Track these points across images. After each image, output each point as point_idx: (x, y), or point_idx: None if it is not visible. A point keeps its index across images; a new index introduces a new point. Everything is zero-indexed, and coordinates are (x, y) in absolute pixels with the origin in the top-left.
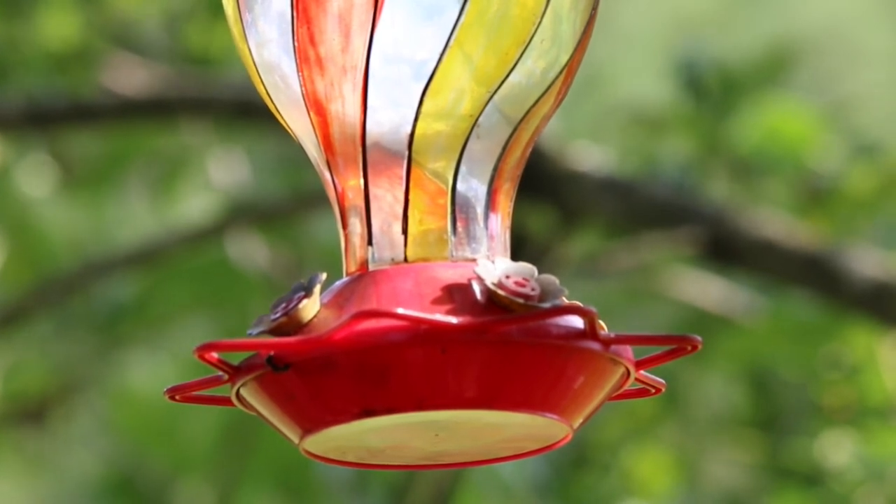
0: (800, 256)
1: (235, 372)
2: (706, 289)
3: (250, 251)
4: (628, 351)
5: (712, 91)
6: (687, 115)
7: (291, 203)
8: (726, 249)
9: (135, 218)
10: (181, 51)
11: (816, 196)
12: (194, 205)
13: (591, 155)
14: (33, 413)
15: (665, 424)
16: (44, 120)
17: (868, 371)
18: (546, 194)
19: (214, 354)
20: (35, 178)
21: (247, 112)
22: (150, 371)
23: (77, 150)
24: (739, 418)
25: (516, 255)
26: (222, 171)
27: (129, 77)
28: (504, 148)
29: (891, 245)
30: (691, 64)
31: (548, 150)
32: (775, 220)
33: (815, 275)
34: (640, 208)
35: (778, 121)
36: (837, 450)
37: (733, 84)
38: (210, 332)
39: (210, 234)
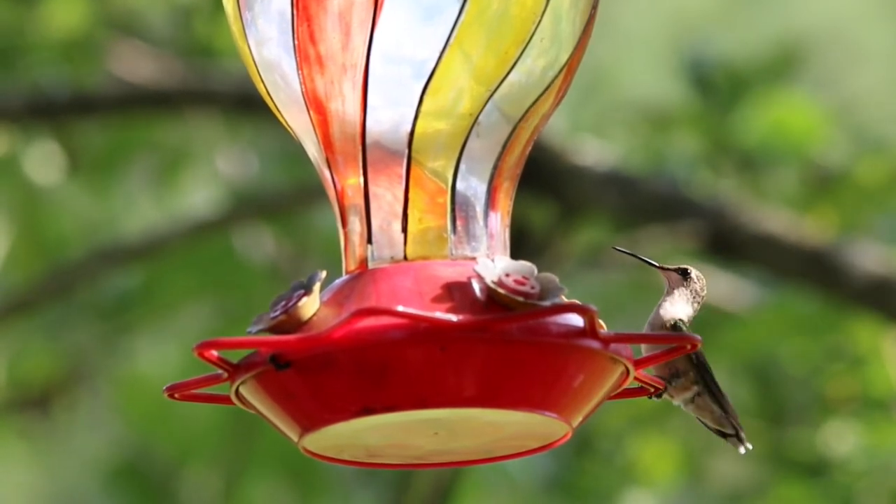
0: (801, 251)
1: (235, 370)
2: (709, 282)
3: (255, 241)
4: (628, 349)
5: (718, 87)
6: (693, 112)
7: (296, 194)
8: (728, 243)
9: (140, 208)
10: (186, 42)
11: (823, 187)
12: (199, 196)
13: (592, 150)
14: (39, 400)
15: (669, 416)
16: (49, 110)
17: (871, 363)
18: (548, 189)
19: (214, 352)
20: (43, 168)
21: (251, 104)
22: (156, 358)
23: (82, 139)
24: (743, 410)
25: (518, 249)
26: (227, 162)
27: (135, 66)
28: (504, 146)
29: (895, 239)
30: (697, 61)
31: (550, 146)
32: (777, 215)
33: (816, 269)
34: (641, 203)
35: (783, 116)
36: (841, 441)
37: (739, 80)
38: (215, 321)
39: (215, 225)
